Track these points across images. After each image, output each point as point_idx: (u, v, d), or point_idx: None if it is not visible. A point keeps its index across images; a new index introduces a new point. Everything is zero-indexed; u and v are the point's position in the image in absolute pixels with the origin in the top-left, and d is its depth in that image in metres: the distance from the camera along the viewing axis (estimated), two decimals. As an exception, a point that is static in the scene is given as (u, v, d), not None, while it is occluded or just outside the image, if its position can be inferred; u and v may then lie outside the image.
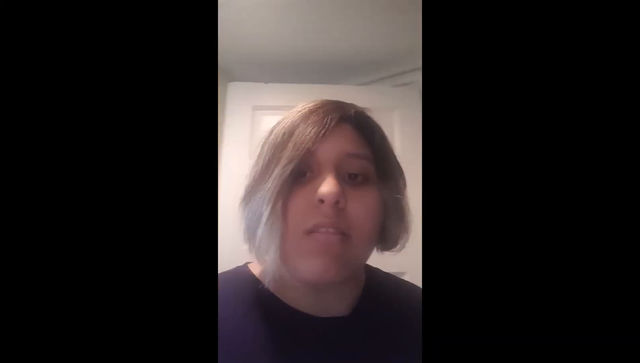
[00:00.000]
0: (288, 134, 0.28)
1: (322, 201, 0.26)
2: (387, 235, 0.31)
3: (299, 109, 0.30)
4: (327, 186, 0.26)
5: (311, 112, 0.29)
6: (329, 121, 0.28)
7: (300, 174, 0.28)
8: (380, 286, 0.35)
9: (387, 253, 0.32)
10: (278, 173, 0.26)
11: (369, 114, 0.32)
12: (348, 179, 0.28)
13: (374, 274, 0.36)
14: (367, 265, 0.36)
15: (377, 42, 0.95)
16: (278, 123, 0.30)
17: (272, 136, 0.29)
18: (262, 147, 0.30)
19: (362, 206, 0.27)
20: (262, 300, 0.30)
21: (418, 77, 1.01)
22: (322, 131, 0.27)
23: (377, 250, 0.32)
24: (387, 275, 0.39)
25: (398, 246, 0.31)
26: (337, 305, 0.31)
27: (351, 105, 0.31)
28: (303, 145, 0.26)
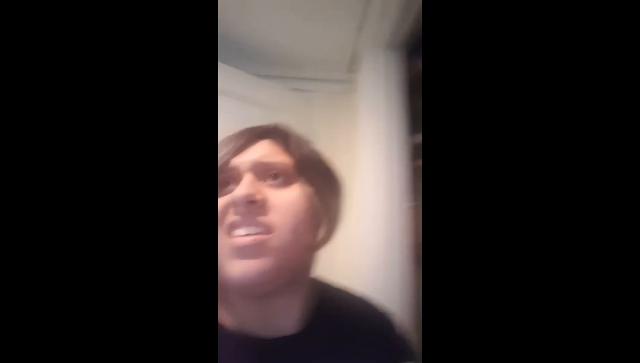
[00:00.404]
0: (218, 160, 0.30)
1: (234, 201, 0.27)
2: (314, 232, 0.31)
3: (226, 136, 0.32)
4: (240, 188, 0.27)
5: (230, 138, 0.31)
6: (241, 139, 0.30)
7: (227, 186, 0.29)
8: (330, 301, 0.34)
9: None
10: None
11: (287, 128, 0.34)
12: (270, 180, 0.29)
13: (323, 288, 0.35)
14: (316, 279, 0.35)
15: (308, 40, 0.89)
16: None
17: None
18: None
19: (285, 204, 0.28)
20: None
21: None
22: (236, 147, 0.30)
23: (311, 251, 0.32)
24: (338, 290, 0.38)
25: (320, 240, 0.32)
26: (282, 323, 0.30)
27: (262, 125, 0.34)
28: (223, 160, 0.29)
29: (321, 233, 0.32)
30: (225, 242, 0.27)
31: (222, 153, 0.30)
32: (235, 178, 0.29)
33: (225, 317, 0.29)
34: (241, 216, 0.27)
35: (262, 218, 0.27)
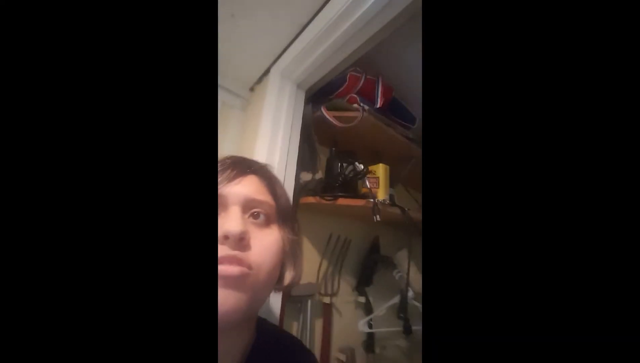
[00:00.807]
0: None
1: (226, 236, 0.28)
2: (283, 274, 0.34)
3: None
4: (233, 223, 0.28)
5: (220, 163, 0.32)
6: (233, 170, 0.32)
7: None
8: (269, 339, 0.36)
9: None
10: None
11: (269, 168, 0.38)
12: (252, 218, 0.31)
13: (264, 326, 0.38)
14: (262, 319, 0.38)
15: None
16: None
17: None
18: None
19: (265, 244, 0.30)
20: None
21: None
22: (227, 178, 0.30)
23: (274, 290, 0.35)
24: (276, 328, 0.41)
25: (289, 283, 0.35)
26: (225, 358, 0.30)
27: (254, 161, 0.36)
28: None
29: (288, 277, 0.33)
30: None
31: None
32: (221, 208, 0.30)
33: None
34: (231, 251, 0.27)
35: (246, 255, 0.28)
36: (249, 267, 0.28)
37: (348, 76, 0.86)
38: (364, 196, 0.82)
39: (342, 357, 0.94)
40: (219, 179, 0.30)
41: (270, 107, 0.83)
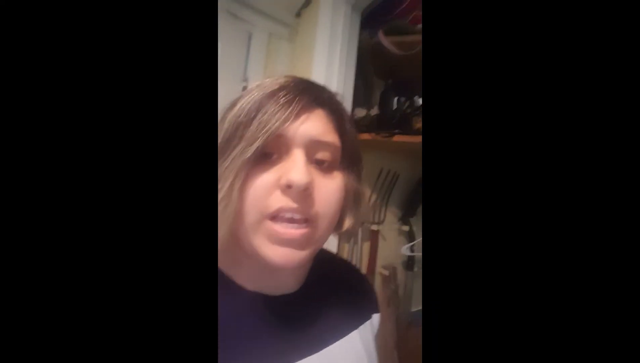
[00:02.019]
0: (254, 111, 0.26)
1: (289, 186, 0.25)
2: (342, 219, 0.32)
3: (267, 84, 0.28)
4: (298, 172, 0.25)
5: (281, 89, 0.27)
6: (298, 103, 0.26)
7: (266, 155, 0.27)
8: (323, 263, 0.37)
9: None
10: (238, 152, 0.25)
11: (339, 99, 0.32)
12: (315, 164, 0.28)
13: (319, 253, 0.38)
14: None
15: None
16: (242, 96, 0.28)
17: (235, 110, 0.27)
18: (223, 120, 0.28)
19: (328, 194, 0.28)
20: None
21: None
22: (292, 114, 0.26)
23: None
24: (327, 252, 0.42)
25: (347, 228, 0.33)
26: (287, 283, 0.32)
27: (323, 87, 0.31)
28: (268, 126, 0.25)
29: (347, 224, 0.32)
30: (267, 224, 0.25)
31: (268, 113, 0.25)
32: (281, 149, 0.27)
33: (243, 278, 0.30)
34: (292, 203, 0.25)
35: (309, 209, 0.26)
36: (312, 221, 0.26)
37: (412, -10, 0.74)
38: (419, 132, 0.80)
39: (385, 272, 1.08)
40: (282, 116, 0.25)
41: (322, 33, 0.76)
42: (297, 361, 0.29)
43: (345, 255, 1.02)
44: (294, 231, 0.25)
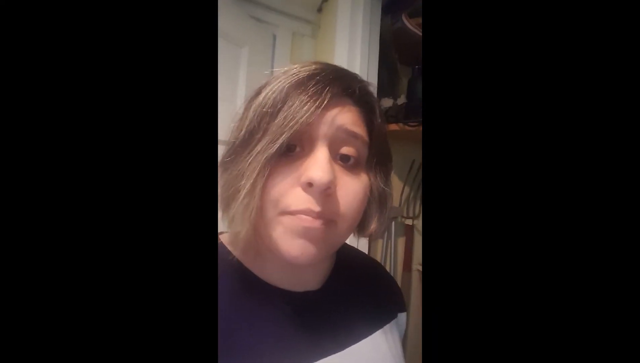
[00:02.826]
0: (280, 102, 0.24)
1: (310, 184, 0.23)
2: (366, 222, 0.30)
3: (295, 71, 0.25)
4: (319, 170, 0.23)
5: (310, 78, 0.25)
6: (327, 93, 0.24)
7: (289, 148, 0.25)
8: (347, 260, 0.36)
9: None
10: (263, 147, 0.23)
11: (371, 90, 0.29)
12: (339, 160, 0.26)
13: (343, 250, 0.36)
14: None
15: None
16: (268, 83, 0.26)
17: (260, 99, 0.25)
18: (248, 108, 0.26)
19: (351, 193, 0.26)
20: (231, 271, 0.29)
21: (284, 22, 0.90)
22: (320, 105, 0.24)
23: (353, 235, 0.32)
24: (352, 248, 0.40)
25: (371, 232, 0.31)
26: (310, 280, 0.32)
27: (354, 76, 0.28)
28: (296, 119, 0.23)
29: (371, 227, 0.30)
30: (286, 218, 0.25)
31: (295, 105, 0.23)
32: (305, 143, 0.25)
33: (266, 273, 0.30)
34: (314, 204, 0.24)
35: (330, 206, 0.25)
36: (333, 218, 0.25)
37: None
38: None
39: (421, 268, 1.03)
40: (310, 108, 0.23)
41: (343, 25, 0.75)
42: (317, 360, 0.28)
43: (378, 251, 1.00)
44: (310, 227, 0.24)
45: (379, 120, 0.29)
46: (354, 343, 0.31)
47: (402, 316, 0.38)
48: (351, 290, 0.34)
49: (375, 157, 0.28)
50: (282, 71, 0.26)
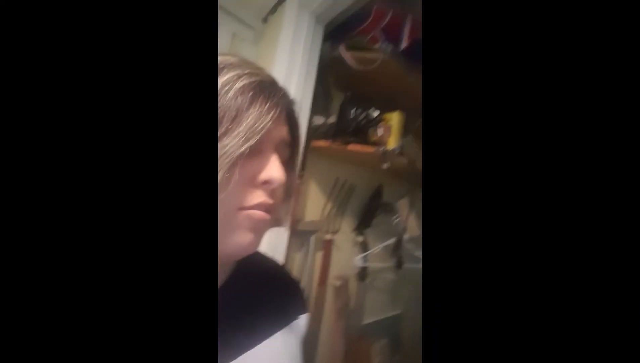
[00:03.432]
0: (247, 103, 0.26)
1: (267, 182, 0.27)
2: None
3: (254, 71, 0.28)
4: (275, 170, 0.27)
5: (271, 84, 0.28)
6: (278, 105, 0.28)
7: (251, 159, 0.27)
8: (248, 262, 0.37)
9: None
10: (232, 148, 0.25)
11: (297, 108, 0.34)
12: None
13: None
14: None
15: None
16: (232, 80, 0.27)
17: (230, 95, 0.26)
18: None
19: (285, 189, 0.31)
20: None
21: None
22: (276, 113, 0.27)
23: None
24: (258, 253, 0.41)
25: (281, 220, 0.35)
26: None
27: (282, 89, 0.31)
28: (263, 125, 0.26)
29: (282, 212, 0.33)
30: (242, 214, 0.27)
31: (256, 112, 0.26)
32: (258, 150, 0.27)
33: None
34: (268, 197, 0.28)
35: (275, 201, 0.29)
36: (274, 211, 0.29)
37: (373, 10, 0.79)
38: (374, 143, 0.83)
39: (337, 283, 1.07)
40: (275, 113, 0.26)
41: (285, 41, 0.78)
42: None
43: (296, 263, 1.00)
44: (261, 220, 0.28)
45: (299, 129, 0.34)
46: (250, 349, 0.30)
47: (303, 317, 0.39)
48: (250, 291, 0.35)
49: (293, 157, 0.34)
50: (234, 72, 0.27)
